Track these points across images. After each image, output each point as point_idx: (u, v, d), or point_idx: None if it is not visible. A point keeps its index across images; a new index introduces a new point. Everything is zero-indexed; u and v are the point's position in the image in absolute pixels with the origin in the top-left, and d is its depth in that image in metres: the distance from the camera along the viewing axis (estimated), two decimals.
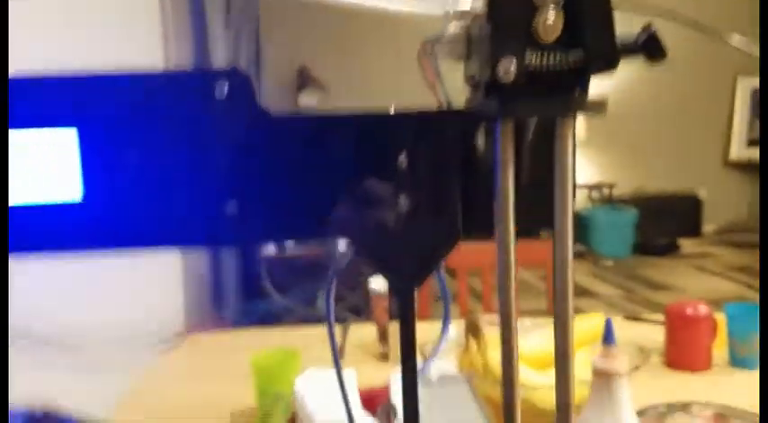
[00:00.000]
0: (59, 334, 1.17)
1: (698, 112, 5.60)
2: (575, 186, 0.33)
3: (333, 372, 0.53)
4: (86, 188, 0.30)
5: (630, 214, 5.01)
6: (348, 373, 0.82)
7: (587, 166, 5.52)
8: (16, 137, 0.30)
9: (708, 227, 5.60)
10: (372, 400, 0.80)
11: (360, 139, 0.32)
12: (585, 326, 1.03)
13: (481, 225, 0.33)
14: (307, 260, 3.03)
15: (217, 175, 0.31)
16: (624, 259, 4.88)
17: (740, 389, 1.06)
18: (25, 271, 1.04)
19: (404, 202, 0.31)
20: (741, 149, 5.64)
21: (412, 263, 0.33)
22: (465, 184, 0.33)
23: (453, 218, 0.32)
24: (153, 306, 2.02)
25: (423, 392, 0.48)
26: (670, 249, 5.12)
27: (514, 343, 0.33)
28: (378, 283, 1.25)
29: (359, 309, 2.80)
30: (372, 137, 0.32)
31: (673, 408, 0.92)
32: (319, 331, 1.40)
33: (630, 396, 0.66)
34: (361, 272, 1.69)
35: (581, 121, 5.30)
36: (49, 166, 0.30)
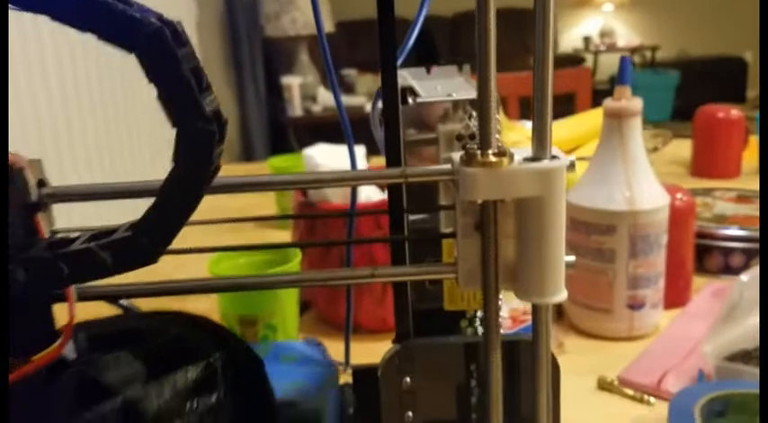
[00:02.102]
0: None
1: None
2: None
3: (342, 146, 0.51)
4: None
5: (672, 78, 4.81)
6: (358, 149, 0.81)
7: (629, 29, 5.26)
8: None
9: (752, 92, 5.36)
10: None
11: None
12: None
13: None
14: (333, 121, 3.01)
15: None
16: (664, 123, 4.74)
17: None
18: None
19: None
20: None
21: None
22: None
23: None
24: None
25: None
26: None
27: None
28: None
29: None
30: None
31: (695, 192, 0.89)
32: None
33: (642, 140, 0.64)
34: None
35: None
36: None
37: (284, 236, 1.00)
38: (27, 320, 0.29)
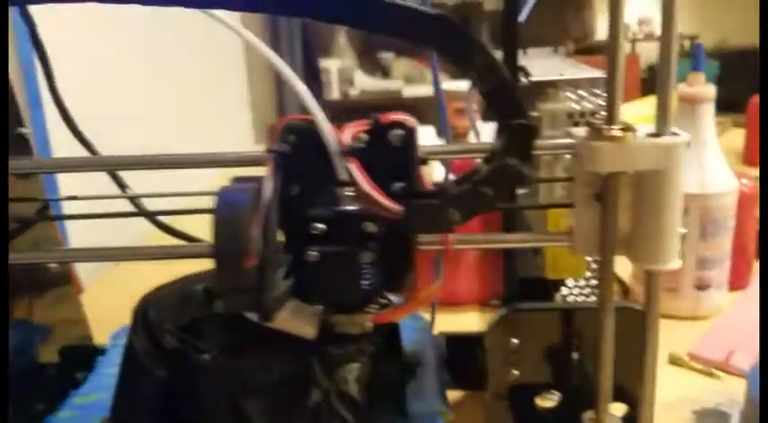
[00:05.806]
0: None
1: None
2: None
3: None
4: None
5: (712, 68, 4.74)
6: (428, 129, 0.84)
7: None
8: None
9: None
10: None
11: None
12: None
13: None
14: (370, 105, 3.03)
15: None
16: None
17: None
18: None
19: None
20: None
21: None
22: None
23: None
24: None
25: None
26: None
27: None
28: None
29: None
30: None
31: None
32: None
33: (714, 124, 0.66)
34: None
35: None
36: None
37: None
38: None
